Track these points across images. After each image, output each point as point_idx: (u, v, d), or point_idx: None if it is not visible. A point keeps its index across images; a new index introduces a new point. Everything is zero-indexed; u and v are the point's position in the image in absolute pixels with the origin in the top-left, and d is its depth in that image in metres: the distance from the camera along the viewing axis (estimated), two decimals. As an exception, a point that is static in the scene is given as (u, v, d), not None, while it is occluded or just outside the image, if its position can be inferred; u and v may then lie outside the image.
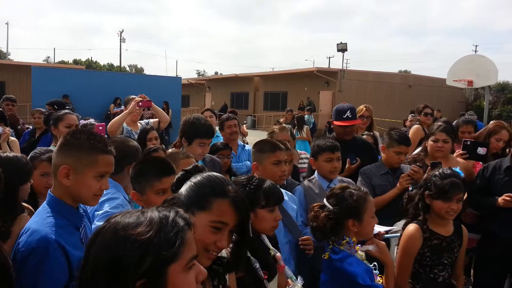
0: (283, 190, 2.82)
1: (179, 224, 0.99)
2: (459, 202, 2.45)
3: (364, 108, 5.28)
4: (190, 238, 1.00)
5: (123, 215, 0.99)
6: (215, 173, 1.40)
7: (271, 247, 2.02)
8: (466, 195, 3.41)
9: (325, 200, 2.23)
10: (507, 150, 4.12)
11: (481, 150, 3.60)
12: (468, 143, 3.67)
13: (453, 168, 2.65)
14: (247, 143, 6.49)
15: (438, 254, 2.47)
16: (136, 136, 4.48)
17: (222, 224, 1.29)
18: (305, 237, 2.60)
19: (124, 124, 4.65)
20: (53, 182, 1.74)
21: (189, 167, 1.46)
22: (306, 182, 3.14)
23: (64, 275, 1.57)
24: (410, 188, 3.15)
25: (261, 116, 28.69)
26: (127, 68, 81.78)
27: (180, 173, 1.44)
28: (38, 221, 1.63)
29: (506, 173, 3.27)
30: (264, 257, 1.85)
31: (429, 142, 3.53)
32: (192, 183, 1.34)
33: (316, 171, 3.15)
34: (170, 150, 3.55)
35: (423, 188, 2.57)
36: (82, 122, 3.98)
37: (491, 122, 4.29)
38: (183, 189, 1.34)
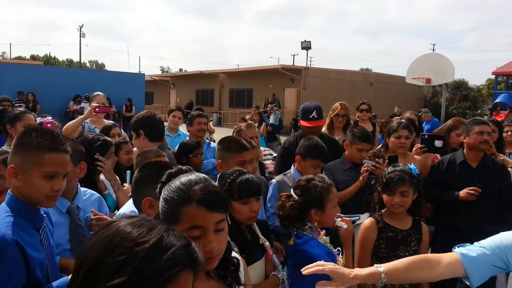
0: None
1: (177, 259, 0.87)
2: (403, 196, 2.52)
3: (339, 106, 4.98)
4: (183, 280, 0.87)
5: (132, 222, 0.92)
6: (183, 179, 1.30)
7: (261, 236, 2.17)
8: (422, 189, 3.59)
9: (292, 190, 2.33)
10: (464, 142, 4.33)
11: (437, 143, 3.72)
12: (426, 136, 3.79)
13: (407, 165, 2.74)
14: (214, 141, 6.47)
15: (393, 246, 2.55)
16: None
17: (197, 229, 1.23)
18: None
19: (87, 121, 4.56)
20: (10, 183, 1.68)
21: (172, 170, 1.40)
22: (281, 175, 3.20)
23: (21, 277, 1.51)
24: (373, 182, 3.25)
25: (226, 113, 28.62)
26: (87, 64, 79.34)
27: (164, 177, 1.37)
28: None
29: (460, 167, 3.42)
30: (242, 243, 1.96)
31: (392, 139, 3.64)
32: (162, 199, 1.30)
33: (293, 166, 3.20)
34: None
35: (378, 183, 2.70)
36: (39, 119, 3.83)
37: (451, 119, 4.49)
38: (160, 206, 1.31)
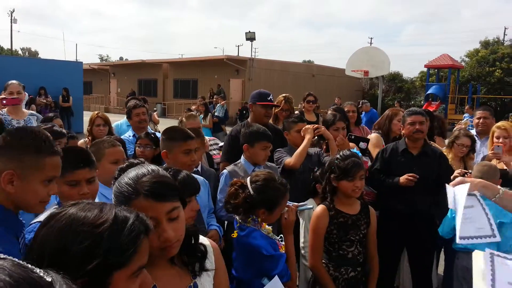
0: (195, 176, 2.87)
1: (137, 229, 0.95)
2: (362, 179, 2.65)
3: (283, 100, 4.94)
4: (144, 246, 0.97)
5: (81, 208, 0.95)
6: (131, 173, 1.29)
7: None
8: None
9: (248, 182, 2.29)
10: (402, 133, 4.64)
11: (362, 145, 4.00)
12: (352, 137, 4.04)
13: (351, 150, 2.90)
14: (159, 131, 6.34)
15: (344, 231, 2.66)
16: (15, 126, 4.17)
17: (152, 220, 1.21)
18: (210, 234, 2.69)
19: (3, 112, 4.25)
20: None
21: (123, 165, 1.39)
22: (232, 166, 3.21)
23: None
24: (316, 169, 3.40)
25: (171, 104, 28.06)
26: (20, 52, 73.89)
27: (116, 173, 1.37)
28: None
29: (403, 155, 3.66)
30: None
31: (331, 131, 3.81)
32: (113, 195, 1.29)
33: (242, 156, 3.23)
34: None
35: (328, 172, 2.74)
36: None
37: (388, 109, 4.77)
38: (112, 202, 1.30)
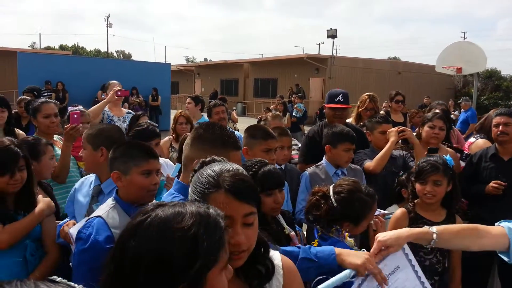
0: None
1: (221, 225, 0.95)
2: (436, 185, 2.47)
3: (368, 99, 4.72)
4: (226, 239, 0.98)
5: (165, 209, 0.94)
6: (215, 167, 1.24)
7: (286, 226, 2.15)
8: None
9: (331, 191, 2.15)
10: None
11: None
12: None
13: (443, 156, 2.66)
14: (238, 130, 6.49)
15: None
16: (117, 122, 4.50)
17: (227, 219, 1.17)
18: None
19: (106, 109, 4.64)
20: (183, 172, 1.76)
21: (206, 159, 1.36)
22: (313, 168, 3.15)
23: None
24: (401, 173, 3.19)
25: (251, 103, 28.60)
26: (115, 54, 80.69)
27: (198, 165, 1.35)
28: None
29: (491, 160, 3.35)
30: (271, 232, 1.98)
31: (425, 128, 3.57)
32: (191, 186, 1.26)
33: (324, 157, 3.14)
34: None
35: (412, 173, 2.66)
36: (71, 108, 3.89)
37: (492, 110, 4.31)
38: (189, 193, 1.27)
